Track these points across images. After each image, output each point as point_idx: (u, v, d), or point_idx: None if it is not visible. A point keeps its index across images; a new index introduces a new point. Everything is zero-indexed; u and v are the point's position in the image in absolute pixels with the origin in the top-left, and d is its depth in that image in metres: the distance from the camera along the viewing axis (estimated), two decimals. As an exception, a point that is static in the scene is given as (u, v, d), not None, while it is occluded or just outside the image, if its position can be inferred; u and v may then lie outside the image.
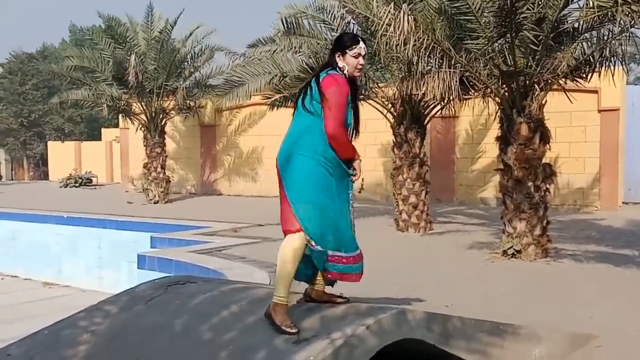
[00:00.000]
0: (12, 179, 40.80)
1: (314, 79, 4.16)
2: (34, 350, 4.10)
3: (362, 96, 11.87)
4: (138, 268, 9.85)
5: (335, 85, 4.04)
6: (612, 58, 8.82)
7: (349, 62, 4.16)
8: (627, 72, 10.53)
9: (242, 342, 3.71)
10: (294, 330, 3.71)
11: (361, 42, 4.22)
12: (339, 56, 4.18)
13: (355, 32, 11.72)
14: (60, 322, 4.37)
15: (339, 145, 4.05)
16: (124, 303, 4.46)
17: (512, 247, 8.86)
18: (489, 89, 9.24)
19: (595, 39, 8.77)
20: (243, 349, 3.64)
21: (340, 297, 4.33)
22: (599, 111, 14.99)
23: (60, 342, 4.09)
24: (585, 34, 8.84)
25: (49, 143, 36.14)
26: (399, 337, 3.80)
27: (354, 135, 4.31)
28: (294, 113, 4.22)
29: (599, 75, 9.06)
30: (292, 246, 3.93)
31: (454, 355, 4.13)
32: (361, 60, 4.19)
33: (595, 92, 14.33)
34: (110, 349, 3.94)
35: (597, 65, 9.01)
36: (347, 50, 4.16)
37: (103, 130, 34.56)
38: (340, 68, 4.16)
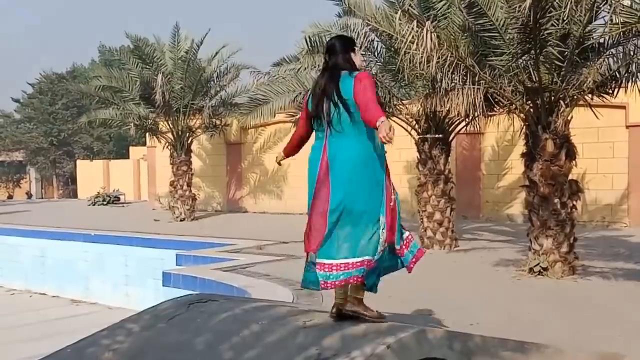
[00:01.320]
0: (42, 197, 41.36)
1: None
2: (57, 369, 4.14)
3: (386, 113, 11.87)
4: (163, 285, 9.90)
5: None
6: (638, 73, 8.73)
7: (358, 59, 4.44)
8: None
9: (263, 361, 3.71)
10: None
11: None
12: (353, 50, 4.46)
13: (379, 49, 11.77)
14: (83, 340, 4.40)
15: None
16: (146, 321, 4.48)
17: (538, 264, 8.76)
18: (513, 106, 9.19)
19: (621, 54, 8.68)
20: (263, 368, 3.63)
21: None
22: (627, 127, 14.83)
23: (83, 361, 4.12)
24: (611, 50, 8.76)
25: (78, 162, 36.60)
26: (420, 356, 3.76)
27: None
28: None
29: (625, 91, 8.99)
30: None
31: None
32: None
33: (623, 107, 14.17)
34: (132, 367, 3.96)
35: (624, 81, 8.93)
36: (355, 47, 4.46)
37: (131, 148, 34.91)
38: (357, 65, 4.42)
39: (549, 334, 5.76)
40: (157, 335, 4.27)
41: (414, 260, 4.68)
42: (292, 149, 4.73)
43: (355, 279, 4.11)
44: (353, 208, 4.16)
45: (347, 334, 3.87)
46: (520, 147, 9.70)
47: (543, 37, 8.19)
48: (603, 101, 9.33)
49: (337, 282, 4.10)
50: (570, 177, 9.09)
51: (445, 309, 6.78)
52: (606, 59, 8.81)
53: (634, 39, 8.12)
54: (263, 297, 6.31)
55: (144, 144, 27.51)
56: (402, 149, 16.43)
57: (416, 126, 12.01)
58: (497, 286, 8.42)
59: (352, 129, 4.26)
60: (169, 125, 19.66)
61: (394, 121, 12.28)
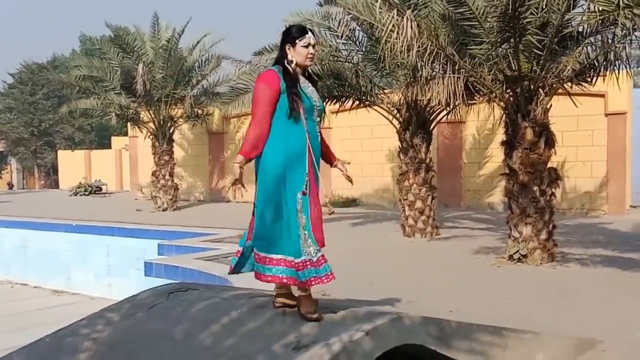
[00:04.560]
0: (24, 188, 41.05)
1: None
2: (35, 358, 4.13)
3: (367, 102, 11.96)
4: (145, 275, 9.90)
5: (257, 83, 4.17)
6: (616, 62, 8.80)
7: (300, 52, 4.20)
8: (632, 76, 10.50)
9: (242, 348, 3.73)
10: (315, 316, 3.93)
11: (309, 33, 4.26)
12: (289, 48, 4.21)
13: (360, 38, 11.77)
14: (62, 330, 4.40)
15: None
16: (126, 310, 4.49)
17: (518, 251, 8.85)
18: (493, 94, 9.24)
19: (599, 42, 8.74)
20: (242, 356, 3.65)
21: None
22: (606, 115, 14.94)
23: (62, 350, 4.11)
24: (590, 38, 8.81)
25: (59, 152, 36.34)
26: (398, 342, 3.80)
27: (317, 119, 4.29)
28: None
29: (603, 80, 9.07)
30: None
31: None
32: (311, 50, 4.23)
33: (602, 96, 14.29)
34: (111, 357, 3.96)
35: (602, 69, 8.99)
36: (297, 41, 4.19)
37: (113, 138, 34.72)
38: (289, 61, 4.19)
39: (528, 320, 5.82)
40: (136, 324, 4.28)
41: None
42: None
43: None
44: None
45: (326, 320, 3.90)
46: (501, 135, 9.76)
47: (522, 25, 8.23)
48: (582, 90, 9.42)
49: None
50: (549, 165, 9.17)
51: (426, 296, 6.84)
52: (585, 48, 8.86)
53: (611, 27, 8.15)
54: (244, 286, 6.32)
55: (126, 133, 27.37)
56: (384, 137, 16.58)
57: (397, 115, 12.04)
58: (477, 273, 8.49)
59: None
60: (150, 114, 19.59)
61: (376, 110, 12.33)
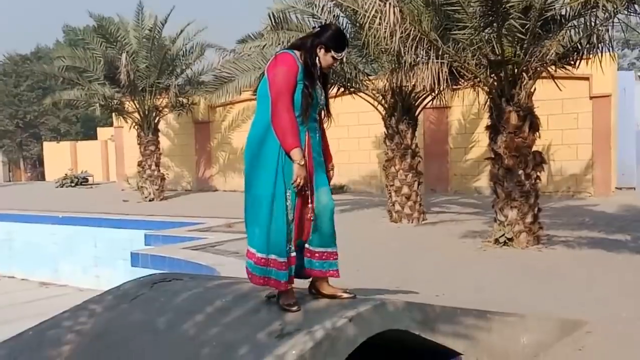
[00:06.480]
0: (10, 180, 40.73)
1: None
2: (18, 351, 4.10)
3: (352, 88, 11.93)
4: (132, 266, 9.87)
5: (277, 66, 3.95)
6: (599, 44, 8.82)
7: (327, 60, 4.05)
8: (615, 58, 10.52)
9: (226, 338, 3.72)
10: (294, 308, 3.86)
11: (346, 50, 4.14)
12: (320, 48, 4.02)
13: (344, 25, 11.71)
14: (45, 323, 4.38)
15: (276, 130, 3.91)
16: (109, 302, 4.46)
17: (503, 235, 8.89)
18: (478, 79, 9.24)
19: (582, 26, 8.74)
20: (226, 345, 3.64)
21: (345, 291, 4.18)
22: (591, 98, 15.00)
23: (45, 343, 4.09)
24: (573, 21, 8.80)
25: (45, 144, 36.05)
26: (382, 328, 3.80)
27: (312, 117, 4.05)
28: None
29: (587, 63, 9.08)
30: None
31: (440, 344, 4.13)
32: (335, 63, 4.14)
33: (587, 79, 14.33)
34: (94, 348, 3.94)
35: (586, 52, 9.00)
36: (332, 51, 4.03)
37: (99, 129, 34.47)
38: (314, 63, 4.02)
39: (514, 302, 5.85)
40: (120, 316, 4.26)
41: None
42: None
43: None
44: None
45: (310, 308, 3.90)
46: (486, 120, 9.77)
47: (505, 9, 8.22)
48: (566, 73, 9.44)
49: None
50: (534, 148, 9.19)
51: (412, 281, 6.85)
52: (568, 31, 8.87)
53: (594, 10, 8.16)
54: (231, 275, 6.32)
55: (112, 124, 27.21)
56: (370, 124, 16.55)
57: (382, 101, 12.03)
58: (464, 257, 8.52)
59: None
60: (135, 105, 19.49)
61: (361, 97, 12.30)
